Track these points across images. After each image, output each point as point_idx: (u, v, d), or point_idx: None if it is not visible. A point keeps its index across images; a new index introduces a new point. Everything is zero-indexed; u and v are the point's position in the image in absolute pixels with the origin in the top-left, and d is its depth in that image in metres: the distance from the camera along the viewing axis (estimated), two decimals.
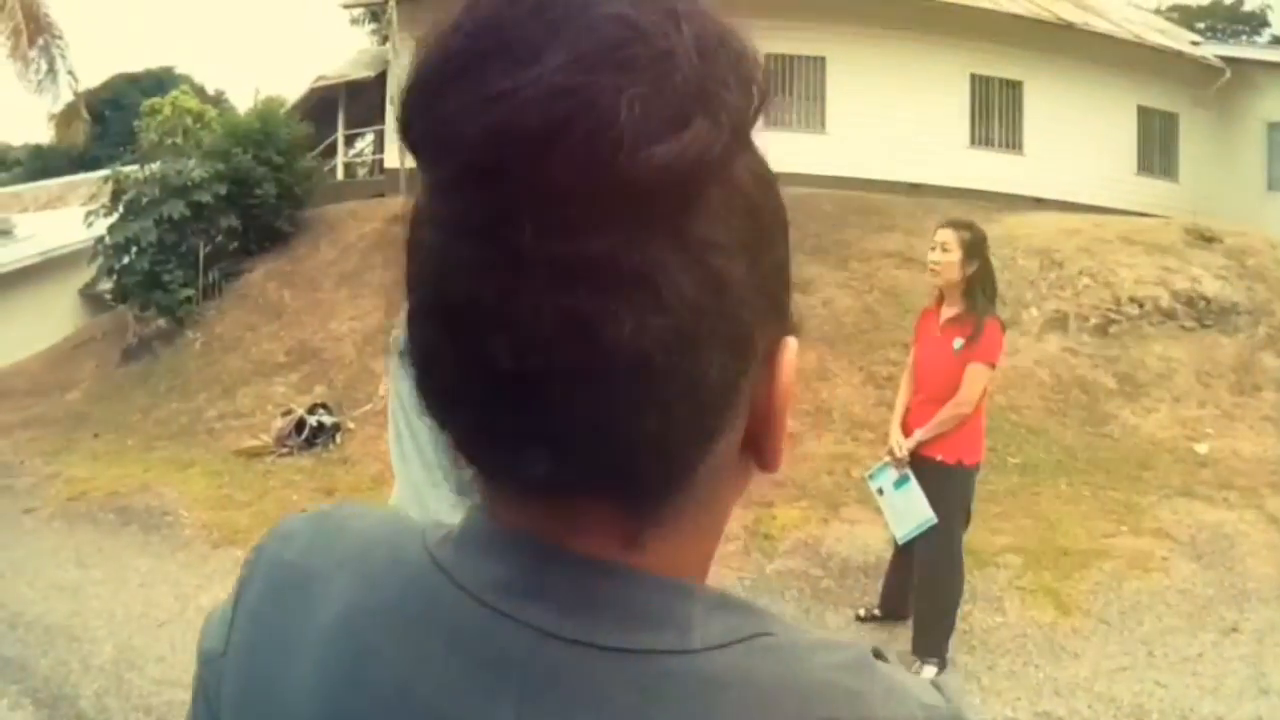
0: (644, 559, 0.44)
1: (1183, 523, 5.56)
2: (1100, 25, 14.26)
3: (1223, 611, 4.54)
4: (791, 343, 0.47)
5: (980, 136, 14.28)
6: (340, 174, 17.66)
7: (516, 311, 0.38)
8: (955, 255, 3.89)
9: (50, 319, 13.28)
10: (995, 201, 12.25)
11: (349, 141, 19.26)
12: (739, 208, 0.42)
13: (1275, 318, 8.12)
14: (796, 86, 14.37)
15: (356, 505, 0.59)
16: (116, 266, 11.07)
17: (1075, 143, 13.95)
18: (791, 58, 14.18)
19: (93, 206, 11.52)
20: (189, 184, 11.03)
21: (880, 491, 4.14)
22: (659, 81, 0.37)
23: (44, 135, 20.65)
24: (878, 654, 0.48)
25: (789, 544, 5.54)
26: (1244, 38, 23.81)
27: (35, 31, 10.58)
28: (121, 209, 11.17)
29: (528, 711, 0.41)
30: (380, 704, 0.44)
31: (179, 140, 12.52)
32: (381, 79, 15.43)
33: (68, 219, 13.60)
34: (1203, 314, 8.07)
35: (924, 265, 4.32)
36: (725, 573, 5.17)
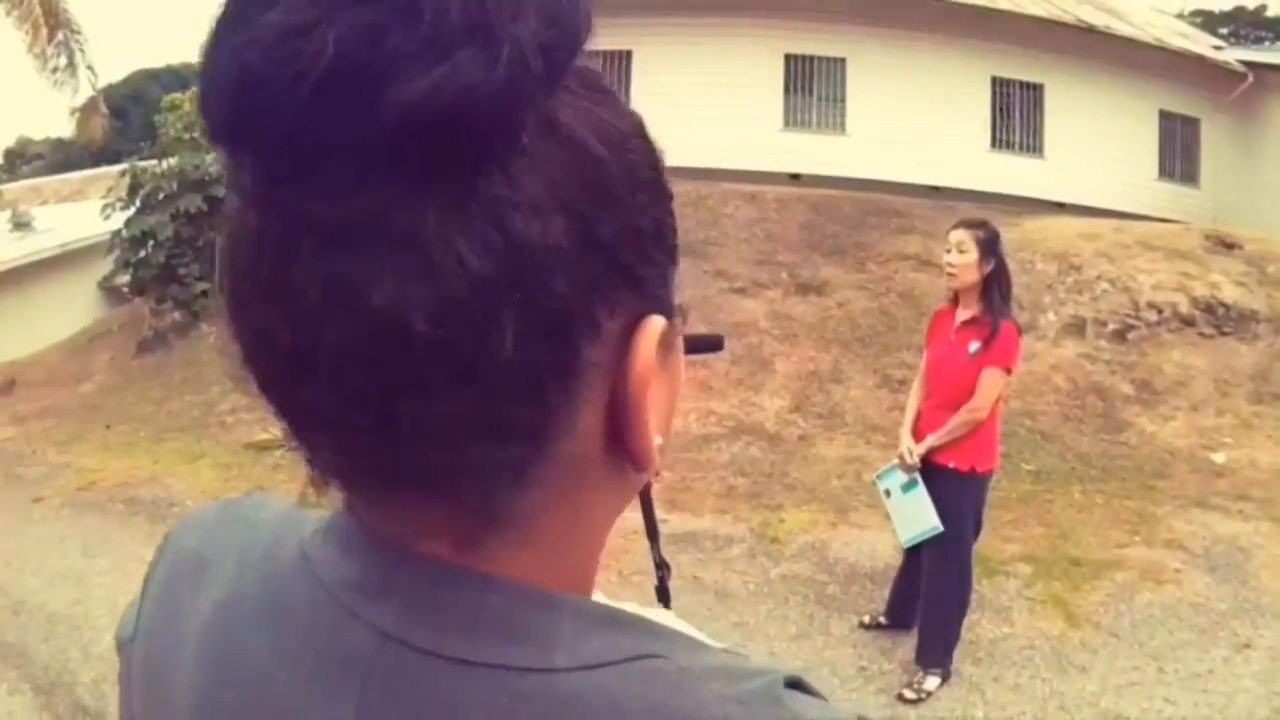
0: (498, 565, 0.41)
1: (1197, 534, 5.46)
2: (1122, 29, 14.08)
3: (1235, 627, 4.43)
4: (654, 323, 0.41)
5: (1001, 139, 14.14)
6: None
7: (290, 281, 0.35)
8: (972, 256, 3.76)
9: (69, 311, 13.37)
10: (1015, 205, 12.14)
11: None
12: (562, 161, 0.37)
13: None
14: (817, 88, 14.32)
15: (264, 495, 0.56)
16: (133, 260, 11.14)
17: (1096, 147, 13.79)
18: (812, 59, 14.12)
19: (110, 200, 11.59)
20: (206, 178, 11.07)
21: (887, 493, 4.05)
22: (412, 12, 0.32)
23: (65, 129, 20.81)
24: (797, 684, 0.43)
25: (795, 548, 5.48)
26: (1267, 43, 23.48)
27: (54, 27, 10.64)
28: (139, 203, 11.25)
29: (366, 716, 0.39)
30: (244, 696, 0.43)
31: (197, 135, 12.57)
32: None
33: (87, 212, 13.70)
34: (1221, 321, 7.95)
35: (942, 268, 4.21)
36: (729, 577, 5.12)
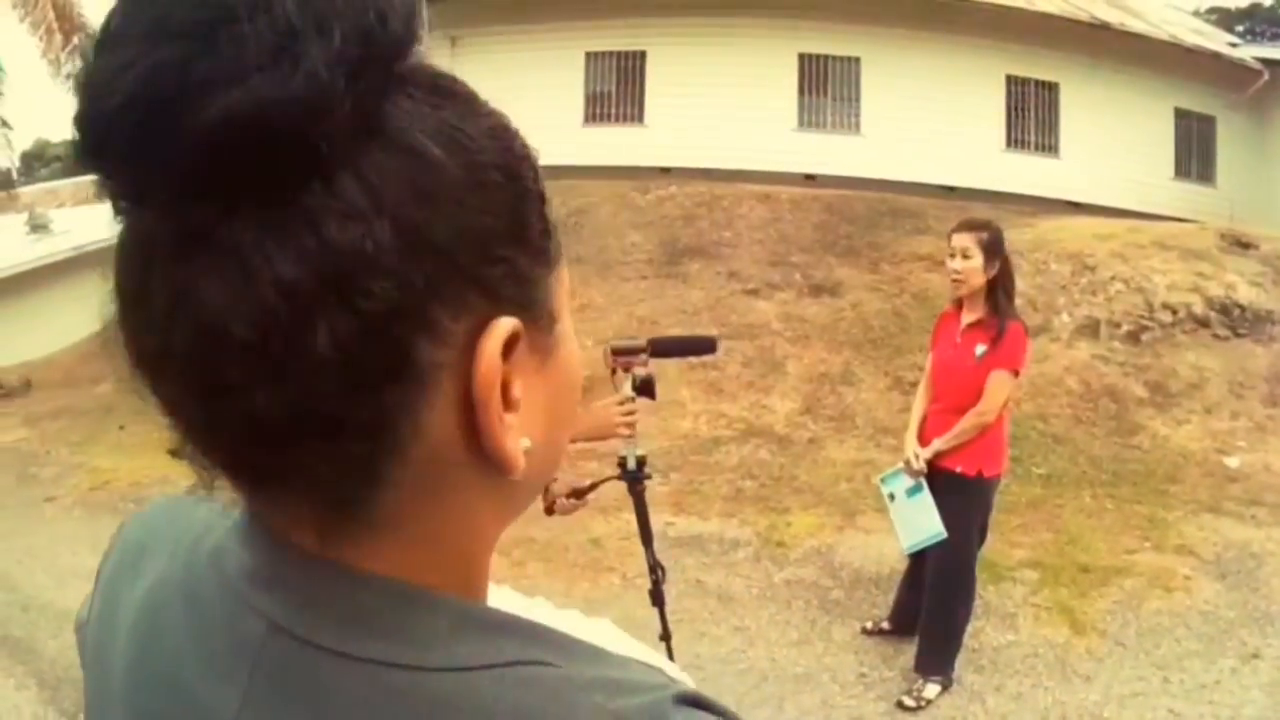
0: (371, 561, 0.42)
1: (1208, 540, 5.38)
2: (1137, 26, 13.94)
3: (1244, 636, 4.36)
4: (500, 324, 0.41)
5: (1016, 139, 14.03)
6: None
7: (149, 290, 0.38)
8: (977, 261, 3.69)
9: (85, 313, 13.42)
10: (1030, 205, 12.06)
11: None
12: (391, 167, 0.38)
13: None
14: (831, 88, 14.27)
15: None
16: None
17: (1111, 146, 13.67)
18: (826, 58, 14.08)
19: None
20: None
21: (891, 498, 3.99)
22: (216, 44, 0.35)
23: None
24: (696, 702, 0.43)
25: (801, 552, 5.45)
26: None
27: (69, 31, 10.72)
28: None
29: (250, 701, 0.41)
30: (161, 676, 0.46)
31: None
32: None
33: (104, 215, 13.73)
34: (1237, 322, 7.83)
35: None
36: (733, 581, 5.10)
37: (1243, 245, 8.71)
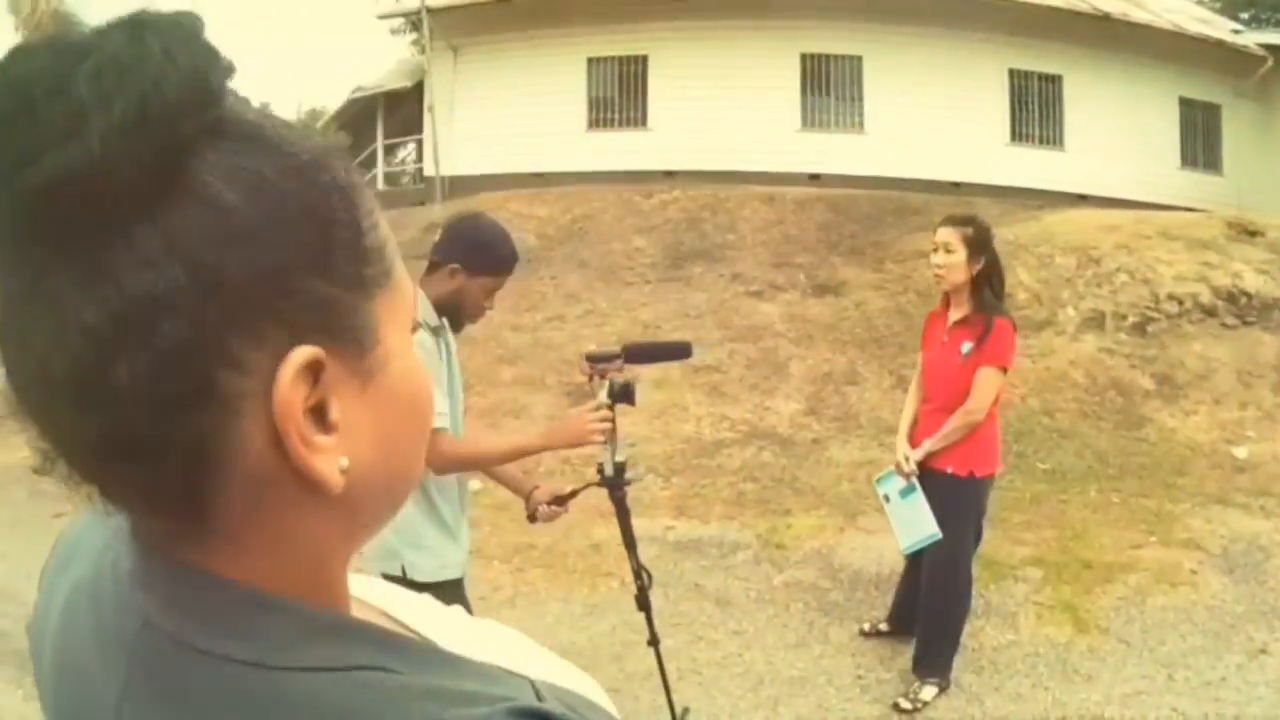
0: (222, 567, 0.46)
1: (1216, 532, 5.29)
2: (1139, 15, 13.81)
3: (1251, 631, 4.27)
4: (296, 354, 0.44)
5: (1020, 133, 13.94)
6: (381, 183, 17.83)
7: (10, 329, 0.44)
8: (960, 255, 3.65)
9: None
10: (1036, 199, 11.98)
11: (391, 151, 19.47)
12: (186, 217, 0.42)
13: None
14: (834, 87, 14.24)
15: None
16: None
17: (1117, 137, 13.55)
18: (828, 57, 14.05)
19: None
20: None
21: (886, 499, 3.95)
22: (17, 126, 0.40)
23: None
24: (532, 715, 0.45)
25: (801, 554, 5.40)
26: None
27: None
28: None
29: (129, 687, 0.46)
30: (72, 664, 0.51)
31: None
32: (419, 88, 15.55)
33: None
34: (1244, 311, 7.72)
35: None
36: (731, 584, 5.06)
37: (1250, 233, 8.59)
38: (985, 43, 13.46)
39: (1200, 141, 14.30)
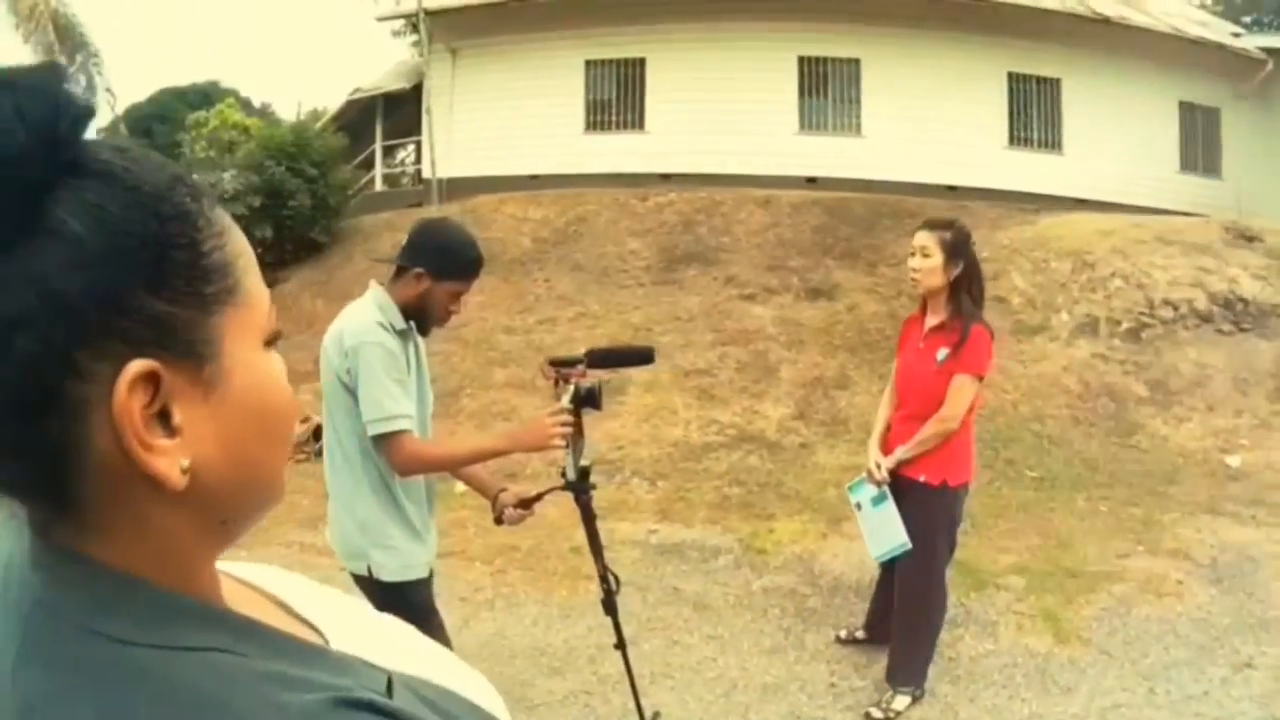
0: (98, 552, 0.52)
1: (1205, 542, 5.20)
2: (1138, 19, 13.70)
3: (1237, 643, 4.16)
4: (131, 366, 0.50)
5: (1018, 136, 13.83)
6: (380, 184, 17.80)
7: None
8: (936, 260, 3.57)
9: None
10: (1035, 203, 11.90)
11: (390, 152, 19.43)
12: (36, 249, 0.48)
13: None
14: (831, 90, 14.17)
15: None
16: None
17: (1116, 141, 13.44)
18: (826, 60, 13.97)
19: None
20: (223, 196, 11.20)
21: (859, 507, 3.89)
22: None
23: None
24: (358, 704, 0.52)
25: (781, 559, 5.32)
26: None
27: (71, 50, 10.82)
28: None
29: (21, 657, 0.50)
30: None
31: (214, 154, 12.73)
32: (418, 90, 15.52)
33: None
34: (1240, 316, 7.61)
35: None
36: (710, 588, 4.98)
37: (1247, 238, 8.49)
38: (984, 46, 13.38)
39: (1200, 145, 14.17)
